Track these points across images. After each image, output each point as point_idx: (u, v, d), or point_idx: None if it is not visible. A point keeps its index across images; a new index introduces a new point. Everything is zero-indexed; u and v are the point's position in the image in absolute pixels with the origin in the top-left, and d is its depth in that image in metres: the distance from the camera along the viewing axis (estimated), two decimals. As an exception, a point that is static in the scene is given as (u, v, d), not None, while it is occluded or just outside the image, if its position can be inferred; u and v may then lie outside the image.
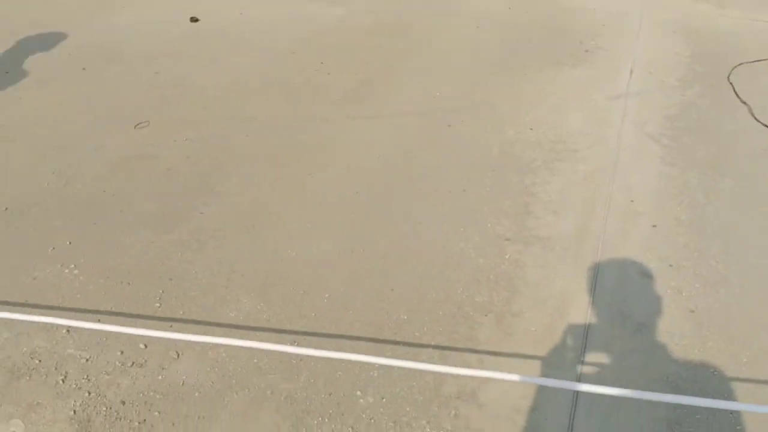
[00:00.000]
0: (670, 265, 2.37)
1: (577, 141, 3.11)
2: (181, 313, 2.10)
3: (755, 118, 3.35)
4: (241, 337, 1.99)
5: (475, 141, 3.10)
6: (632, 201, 2.71)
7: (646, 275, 2.33)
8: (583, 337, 2.08)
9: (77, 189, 2.64)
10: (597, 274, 2.32)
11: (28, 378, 1.85)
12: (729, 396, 1.90)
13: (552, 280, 2.30)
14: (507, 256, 2.39)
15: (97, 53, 3.77)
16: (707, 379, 1.94)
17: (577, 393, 1.87)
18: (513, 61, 3.90)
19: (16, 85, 3.40)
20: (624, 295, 2.24)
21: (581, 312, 2.17)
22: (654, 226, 2.57)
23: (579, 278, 2.31)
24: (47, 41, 3.87)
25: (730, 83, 3.70)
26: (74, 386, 1.84)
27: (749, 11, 4.79)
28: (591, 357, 2.01)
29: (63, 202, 2.56)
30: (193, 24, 4.22)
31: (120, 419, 1.76)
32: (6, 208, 2.51)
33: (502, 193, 2.73)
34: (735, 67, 3.89)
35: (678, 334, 2.10)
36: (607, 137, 3.14)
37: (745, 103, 3.50)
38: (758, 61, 3.99)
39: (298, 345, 2.00)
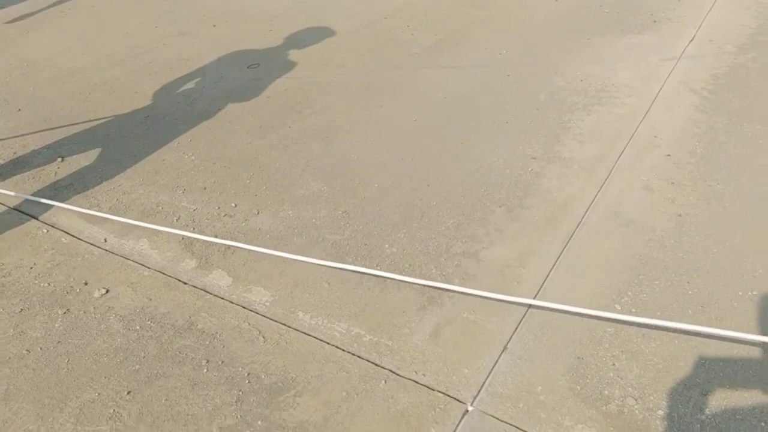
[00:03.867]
0: (672, 183, 2.75)
1: (620, 91, 3.49)
2: (264, 188, 2.77)
3: (804, 81, 3.56)
4: (306, 207, 2.62)
5: (528, 88, 3.56)
6: (655, 137, 3.08)
7: (648, 189, 2.72)
8: (576, 225, 2.52)
9: (199, 106, 3.39)
10: (603, 186, 2.74)
11: (153, 216, 2.59)
12: (694, 275, 2.28)
13: (563, 188, 2.75)
14: (530, 169, 2.87)
15: (225, 15, 4.58)
16: (680, 257, 2.34)
17: (561, 253, 2.34)
18: (581, 30, 4.30)
19: (163, 33, 4.26)
20: (623, 201, 2.65)
21: (581, 210, 2.61)
22: (668, 155, 2.94)
23: (587, 188, 2.74)
24: (191, 4, 4.74)
25: (791, 51, 3.89)
26: (184, 224, 2.55)
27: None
28: (578, 240, 2.45)
29: (187, 115, 3.32)
30: (306, -5, 4.95)
31: (212, 246, 2.44)
32: (147, 116, 3.31)
33: (539, 126, 3.19)
34: (801, 38, 4.05)
35: (659, 228, 2.49)
36: (650, 89, 3.50)
37: (799, 67, 3.69)
38: (828, 33, 4.12)
39: (347, 214, 2.60)
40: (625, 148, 2.99)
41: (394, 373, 1.95)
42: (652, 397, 1.87)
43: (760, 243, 2.41)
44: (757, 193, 2.67)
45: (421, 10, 4.65)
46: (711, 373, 1.92)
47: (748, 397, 1.85)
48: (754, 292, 2.21)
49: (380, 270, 2.32)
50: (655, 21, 4.38)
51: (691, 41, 4.05)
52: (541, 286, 2.25)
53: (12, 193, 2.66)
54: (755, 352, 1.98)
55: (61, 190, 2.72)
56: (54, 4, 4.72)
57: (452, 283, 2.26)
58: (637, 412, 1.83)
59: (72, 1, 4.77)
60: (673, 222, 2.54)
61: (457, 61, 3.90)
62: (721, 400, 1.85)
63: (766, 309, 2.14)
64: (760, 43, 3.99)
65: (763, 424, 1.77)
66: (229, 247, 2.43)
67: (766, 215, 2.55)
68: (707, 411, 1.83)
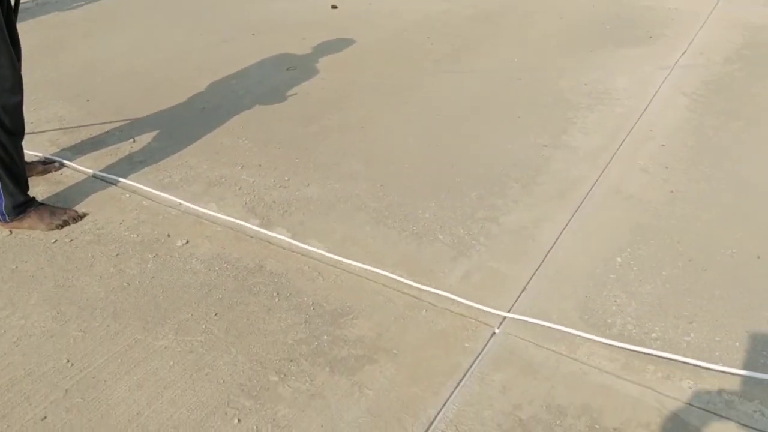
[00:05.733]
0: (666, 167, 3.18)
1: (620, 94, 3.94)
2: (311, 166, 3.19)
3: (784, 87, 4.01)
4: (349, 181, 3.04)
5: (537, 90, 4.01)
6: (651, 131, 3.51)
7: (645, 171, 3.15)
8: (582, 198, 2.94)
9: (247, 100, 3.83)
10: (605, 169, 3.17)
11: (218, 187, 3.00)
12: (684, 237, 2.69)
13: (570, 170, 3.17)
14: (541, 154, 3.30)
15: (262, 24, 5.05)
16: (672, 223, 2.76)
17: (569, 220, 2.76)
18: (584, 42, 4.76)
19: (208, 41, 4.71)
20: (622, 181, 3.07)
21: (586, 187, 3.03)
22: (663, 145, 3.37)
23: (592, 171, 3.16)
24: (230, 16, 5.21)
25: (772, 62, 4.35)
26: (245, 192, 2.96)
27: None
28: (584, 210, 2.87)
29: (237, 107, 3.75)
30: (333, 10, 5.42)
31: (271, 210, 2.85)
32: (202, 108, 3.74)
33: (548, 121, 3.62)
34: (782, 51, 4.52)
35: (655, 201, 2.91)
36: (647, 93, 3.94)
37: (780, 76, 4.15)
38: (807, 49, 4.59)
39: (385, 187, 3.02)
40: (624, 140, 3.42)
41: (432, 305, 2.35)
42: (647, 324, 2.27)
43: (741, 214, 2.83)
44: (739, 176, 3.10)
45: (439, 24, 5.12)
46: (696, 306, 2.33)
47: (726, 325, 2.26)
48: (734, 250, 2.62)
49: (416, 228, 2.74)
50: (650, 36, 4.85)
51: (683, 54, 4.52)
52: (554, 244, 2.66)
53: (127, 180, 3.08)
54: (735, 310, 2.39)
55: (137, 165, 3.14)
56: (107, 14, 5.19)
57: (477, 240, 2.68)
58: (634, 334, 2.23)
59: (122, 12, 5.25)
60: (666, 197, 2.96)
61: (473, 66, 4.35)
62: (705, 326, 2.25)
63: (745, 263, 2.55)
64: (744, 56, 4.45)
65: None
66: (286, 209, 2.85)
67: (746, 193, 2.98)
68: (692, 334, 2.23)
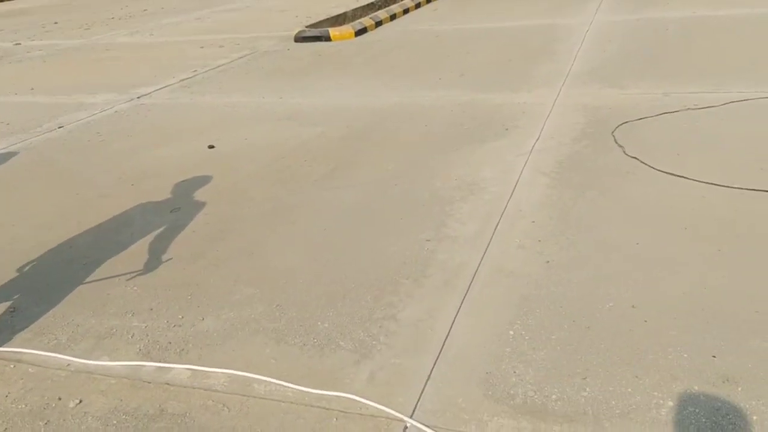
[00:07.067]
0: (539, 241, 3.42)
1: (487, 183, 4.26)
2: (204, 300, 3.18)
3: (626, 155, 4.49)
4: (244, 308, 3.04)
5: (413, 191, 4.25)
6: (520, 210, 3.80)
7: (521, 247, 3.38)
8: (469, 282, 3.10)
9: (131, 247, 3.80)
10: (486, 252, 3.37)
11: (108, 339, 2.91)
12: (568, 300, 2.88)
13: (455, 258, 3.35)
14: (426, 249, 3.47)
15: (142, 173, 5.10)
16: (552, 290, 2.94)
17: (461, 304, 2.88)
18: (449, 143, 5.14)
19: (85, 198, 4.69)
20: (503, 260, 3.28)
21: (471, 271, 3.20)
22: (533, 222, 3.64)
23: (474, 255, 3.36)
24: (108, 170, 5.23)
25: (613, 136, 4.88)
26: (137, 339, 2.89)
27: (644, 89, 6.06)
28: (473, 292, 3.02)
29: (122, 255, 3.71)
30: (210, 150, 5.58)
31: (167, 351, 2.79)
32: (84, 264, 3.67)
33: (428, 218, 3.84)
34: (619, 125, 5.08)
35: (534, 274, 3.12)
36: (511, 178, 4.29)
37: (621, 146, 4.65)
38: (639, 119, 5.19)
39: (281, 306, 3.05)
40: (498, 222, 3.67)
41: (342, 412, 2.35)
42: (546, 388, 2.38)
43: (609, 271, 3.10)
44: (601, 238, 3.40)
45: (314, 148, 5.38)
46: (586, 362, 2.47)
47: (616, 375, 2.40)
48: (611, 304, 2.83)
49: (317, 340, 2.77)
50: (506, 129, 5.32)
51: (537, 140, 4.97)
52: (450, 329, 2.76)
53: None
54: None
55: (18, 333, 3.01)
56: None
57: (378, 341, 2.74)
58: (536, 400, 2.32)
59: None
60: (543, 268, 3.18)
61: (351, 181, 4.58)
62: (598, 379, 2.38)
63: (622, 314, 2.75)
64: (589, 134, 4.97)
65: (631, 389, 2.32)
66: (183, 347, 2.80)
67: (609, 252, 3.26)
68: (587, 389, 2.35)
